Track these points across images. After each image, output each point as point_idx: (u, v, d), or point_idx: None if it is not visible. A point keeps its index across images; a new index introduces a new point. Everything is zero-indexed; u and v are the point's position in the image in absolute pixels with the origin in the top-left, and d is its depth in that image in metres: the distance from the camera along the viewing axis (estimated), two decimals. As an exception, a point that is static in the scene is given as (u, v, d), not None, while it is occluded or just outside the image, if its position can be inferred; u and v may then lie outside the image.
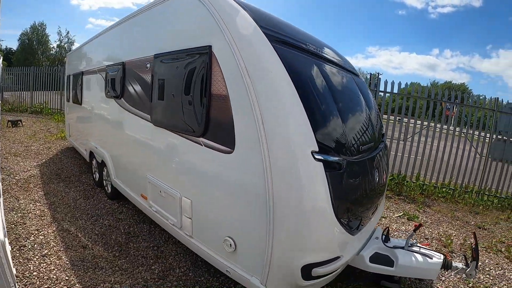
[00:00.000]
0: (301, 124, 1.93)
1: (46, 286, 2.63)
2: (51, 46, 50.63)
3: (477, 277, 3.32)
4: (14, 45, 36.82)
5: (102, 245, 3.31)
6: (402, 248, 2.68)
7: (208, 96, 2.22)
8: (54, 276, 2.76)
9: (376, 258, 2.59)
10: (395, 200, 5.92)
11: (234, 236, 2.17)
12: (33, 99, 13.53)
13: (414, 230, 2.83)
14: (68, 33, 57.38)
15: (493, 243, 4.33)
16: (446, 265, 2.60)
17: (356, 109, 2.89)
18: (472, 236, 2.80)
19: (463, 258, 2.76)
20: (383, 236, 2.78)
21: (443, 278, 3.24)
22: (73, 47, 47.83)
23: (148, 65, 3.05)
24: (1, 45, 29.55)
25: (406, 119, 6.73)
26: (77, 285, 2.66)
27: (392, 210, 5.34)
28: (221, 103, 2.14)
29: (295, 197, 1.89)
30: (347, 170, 2.16)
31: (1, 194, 2.48)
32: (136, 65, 3.37)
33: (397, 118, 6.78)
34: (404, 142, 6.80)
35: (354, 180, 2.33)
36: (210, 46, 2.20)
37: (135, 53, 3.41)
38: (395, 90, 6.69)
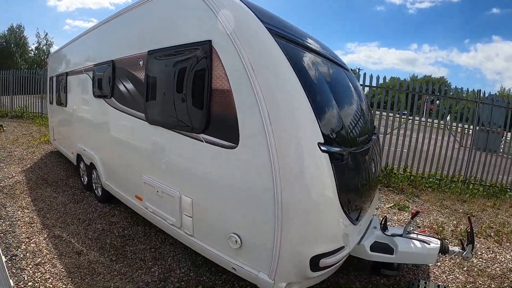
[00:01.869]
0: (307, 116, 1.93)
1: (42, 296, 2.52)
2: (30, 48, 48.98)
3: (470, 261, 3.44)
4: (-10, 48, 35.28)
5: (97, 250, 3.21)
6: (401, 235, 2.74)
7: (208, 91, 2.17)
8: (51, 286, 2.65)
9: (376, 246, 2.64)
10: (384, 192, 6.08)
11: (239, 232, 2.14)
12: (13, 103, 13.03)
13: (412, 218, 2.88)
14: (46, 34, 55.43)
15: (482, 228, 4.49)
16: (444, 250, 2.68)
17: (351, 102, 2.93)
18: (467, 220, 2.90)
19: (459, 242, 2.88)
20: (381, 225, 2.83)
21: (438, 263, 3.35)
22: (52, 49, 46.39)
23: (141, 62, 2.96)
24: None
25: (389, 113, 6.90)
26: (74, 292, 2.57)
27: (383, 201, 5.47)
28: (223, 97, 2.10)
29: (303, 189, 1.89)
30: (349, 160, 2.18)
31: None
32: (127, 63, 3.27)
33: (377, 112, 6.95)
34: (384, 135, 6.95)
35: (355, 171, 2.36)
36: (210, 41, 2.15)
37: (126, 51, 3.31)
38: (375, 84, 6.82)
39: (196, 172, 2.40)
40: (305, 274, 2.00)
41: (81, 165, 5.07)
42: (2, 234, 3.43)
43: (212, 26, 2.14)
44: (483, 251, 3.81)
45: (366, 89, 6.85)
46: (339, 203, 2.01)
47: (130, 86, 3.24)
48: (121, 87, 3.42)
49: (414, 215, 2.89)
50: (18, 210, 4.09)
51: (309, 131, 1.92)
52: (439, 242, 2.71)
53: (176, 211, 2.58)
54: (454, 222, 4.70)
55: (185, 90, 2.39)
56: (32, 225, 3.72)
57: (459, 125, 7.24)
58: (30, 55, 47.88)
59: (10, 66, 19.39)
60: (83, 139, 4.89)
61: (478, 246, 3.91)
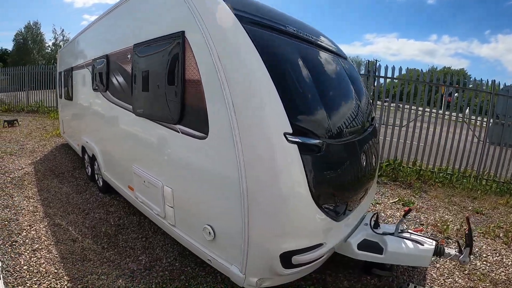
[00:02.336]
0: (273, 105, 1.86)
1: (35, 279, 2.65)
2: (47, 44, 50.50)
3: (473, 263, 3.25)
4: (9, 46, 36.52)
5: (91, 238, 3.33)
6: (392, 234, 2.61)
7: (182, 82, 2.19)
8: (44, 270, 2.78)
9: (365, 245, 2.52)
10: (390, 186, 5.83)
11: (212, 224, 2.14)
12: (29, 98, 13.54)
13: (404, 216, 2.77)
14: (62, 31, 57.04)
15: (491, 228, 4.20)
16: (439, 252, 2.52)
17: (340, 92, 2.82)
18: (466, 221, 2.69)
19: (457, 245, 2.68)
20: (372, 222, 2.71)
21: (437, 265, 3.16)
22: (67, 45, 47.40)
23: (129, 56, 3.02)
24: None
25: (406, 106, 6.65)
26: (65, 277, 2.68)
27: (387, 196, 5.28)
28: (195, 88, 2.10)
29: (268, 181, 1.83)
30: (328, 153, 2.09)
31: None
32: (118, 56, 3.34)
33: (391, 104, 6.71)
34: (399, 128, 6.73)
35: (337, 164, 2.26)
36: (183, 32, 2.16)
37: (117, 45, 3.38)
38: (395, 75, 6.55)
39: (175, 163, 2.44)
40: (277, 271, 1.95)
41: (86, 157, 5.23)
42: (6, 222, 3.61)
43: (184, 17, 2.14)
44: (489, 253, 3.53)
45: (387, 80, 6.63)
46: (311, 198, 1.93)
47: (121, 79, 3.31)
48: (114, 81, 3.50)
49: (407, 212, 2.77)
50: (24, 199, 4.28)
51: (275, 121, 1.85)
52: (434, 243, 2.56)
53: (160, 201, 2.64)
54: (461, 220, 4.44)
55: (163, 82, 2.42)
56: (35, 213, 3.89)
57: (473, 117, 6.88)
58: (47, 51, 49.23)
59: (28, 62, 20.07)
60: (86, 131, 5.05)
61: (484, 247, 3.67)
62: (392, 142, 6.80)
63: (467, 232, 2.53)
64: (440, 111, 6.75)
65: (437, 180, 6.25)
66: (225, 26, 1.98)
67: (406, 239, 2.57)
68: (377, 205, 4.82)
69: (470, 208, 5.03)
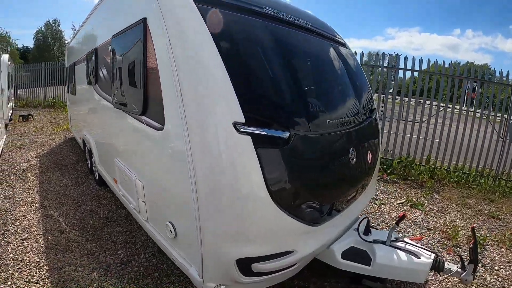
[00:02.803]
0: (223, 92, 1.70)
1: (18, 267, 2.73)
2: (66, 42, 52.10)
3: (482, 277, 2.90)
4: (30, 43, 37.99)
5: (78, 230, 3.38)
6: (384, 243, 2.30)
7: (145, 71, 2.11)
8: (27, 258, 2.86)
9: (351, 253, 2.26)
10: (400, 185, 5.46)
11: (173, 221, 2.03)
12: (46, 94, 14.03)
13: (397, 222, 2.47)
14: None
15: (506, 236, 3.73)
16: (437, 267, 2.22)
17: (324, 79, 2.61)
18: (470, 231, 2.38)
19: (459, 259, 2.32)
20: (362, 227, 2.41)
21: (440, 278, 2.76)
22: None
23: (109, 48, 3.01)
24: (17, 44, 30.70)
25: (427, 101, 6.26)
26: (45, 266, 2.74)
27: (395, 196, 4.91)
28: (153, 77, 1.99)
29: (216, 178, 1.67)
30: (300, 146, 1.90)
31: None
32: (103, 49, 3.35)
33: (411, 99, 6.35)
34: (420, 123, 6.33)
35: (313, 159, 2.04)
36: (145, 19, 2.07)
37: (102, 38, 3.39)
38: (416, 67, 6.12)
39: (143, 156, 2.38)
40: (235, 278, 1.79)
41: (86, 150, 5.34)
42: (3, 212, 3.73)
43: (146, 3, 2.07)
44: (502, 266, 3.12)
45: (402, 72, 6.27)
46: (271, 199, 1.71)
47: (105, 72, 3.32)
48: (101, 74, 3.52)
49: (400, 218, 2.46)
50: (24, 191, 4.42)
51: (223, 110, 1.69)
52: (432, 256, 2.24)
53: (135, 195, 2.62)
54: (474, 225, 4.04)
55: (131, 73, 2.38)
56: (32, 204, 4.01)
57: (494, 113, 6.31)
58: (67, 47, 50.90)
59: (48, 59, 20.80)
60: (84, 125, 5.15)
61: (496, 258, 3.27)
62: (404, 138, 6.40)
63: (471, 245, 2.21)
64: (464, 108, 6.28)
65: (451, 179, 5.80)
66: (178, 5, 1.84)
67: (400, 249, 2.27)
68: (382, 206, 4.48)
69: (485, 212, 4.55)
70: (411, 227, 3.86)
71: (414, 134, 6.40)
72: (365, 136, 2.75)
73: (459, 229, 3.82)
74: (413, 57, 6.28)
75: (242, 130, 1.66)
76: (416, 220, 4.07)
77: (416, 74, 6.59)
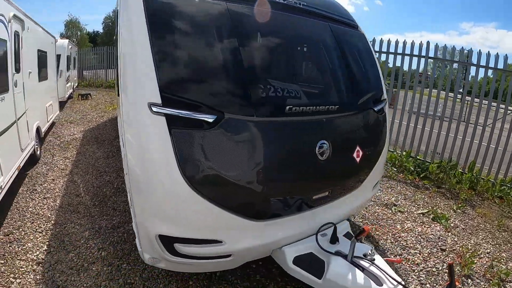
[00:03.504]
0: (146, 72, 1.68)
1: (32, 219, 3.19)
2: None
3: None
4: (100, 28, 41.71)
5: (91, 195, 3.77)
6: (345, 257, 2.02)
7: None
8: (42, 213, 3.30)
9: (306, 260, 2.05)
10: (430, 193, 4.72)
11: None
12: (108, 75, 15.52)
13: (356, 236, 2.05)
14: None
15: None
16: None
17: (291, 62, 2.35)
18: (447, 269, 1.96)
19: None
20: (318, 233, 2.14)
21: None
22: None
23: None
24: (86, 29, 34.01)
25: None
26: (52, 221, 3.13)
27: (418, 205, 4.26)
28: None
29: (136, 156, 1.76)
30: (232, 131, 1.77)
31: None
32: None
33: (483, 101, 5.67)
34: (483, 127, 5.34)
35: (254, 148, 1.88)
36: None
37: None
38: (491, 64, 5.16)
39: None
40: (161, 254, 1.85)
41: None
42: (38, 175, 4.30)
43: None
44: None
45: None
46: (186, 184, 1.67)
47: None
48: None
49: (360, 232, 2.07)
50: (61, 159, 5.02)
51: (142, 91, 1.68)
52: (398, 287, 1.89)
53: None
54: (503, 254, 3.17)
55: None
56: (63, 171, 4.55)
57: None
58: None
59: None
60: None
61: None
62: (456, 140, 5.48)
63: (447, 284, 1.87)
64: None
65: (496, 194, 4.80)
66: None
67: (362, 269, 1.94)
68: (399, 214, 3.93)
69: (525, 239, 3.62)
70: (421, 243, 3.25)
71: (476, 140, 5.40)
72: (354, 129, 2.44)
73: (481, 255, 3.11)
74: (488, 51, 5.21)
75: (155, 110, 1.64)
76: (431, 236, 3.44)
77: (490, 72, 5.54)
